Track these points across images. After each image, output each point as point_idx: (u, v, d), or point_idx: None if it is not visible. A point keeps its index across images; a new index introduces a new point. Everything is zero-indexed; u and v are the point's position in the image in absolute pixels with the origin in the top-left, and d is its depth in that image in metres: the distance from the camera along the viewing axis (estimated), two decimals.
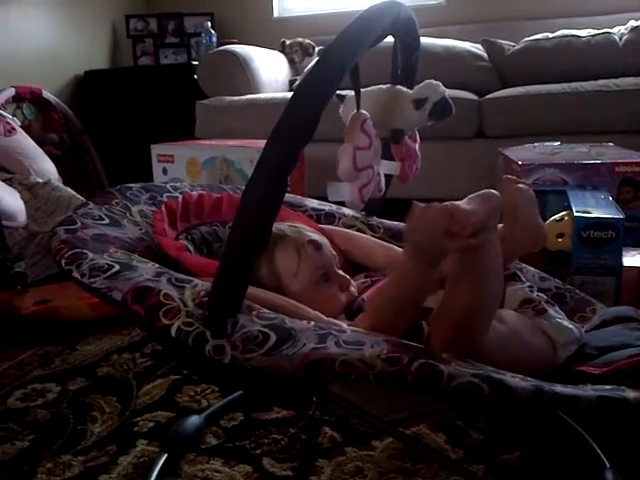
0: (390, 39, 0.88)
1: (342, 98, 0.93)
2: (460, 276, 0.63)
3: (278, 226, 0.84)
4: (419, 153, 0.99)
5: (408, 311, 0.65)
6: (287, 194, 0.58)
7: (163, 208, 0.87)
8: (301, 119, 0.55)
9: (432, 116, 0.91)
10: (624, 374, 0.65)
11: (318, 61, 0.57)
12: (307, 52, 3.10)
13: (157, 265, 0.71)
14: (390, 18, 0.72)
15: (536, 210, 0.81)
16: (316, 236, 0.84)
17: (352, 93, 0.87)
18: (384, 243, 0.98)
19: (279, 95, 2.70)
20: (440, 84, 0.91)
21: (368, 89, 0.93)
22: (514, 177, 0.84)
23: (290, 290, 0.79)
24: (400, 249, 0.95)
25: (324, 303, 0.76)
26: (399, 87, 0.94)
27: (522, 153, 1.67)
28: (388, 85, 0.95)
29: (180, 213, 0.89)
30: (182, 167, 2.12)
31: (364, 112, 0.85)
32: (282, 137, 0.55)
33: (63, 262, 0.70)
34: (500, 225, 0.81)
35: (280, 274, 0.80)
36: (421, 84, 0.92)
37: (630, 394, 0.58)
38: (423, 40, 0.95)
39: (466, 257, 0.62)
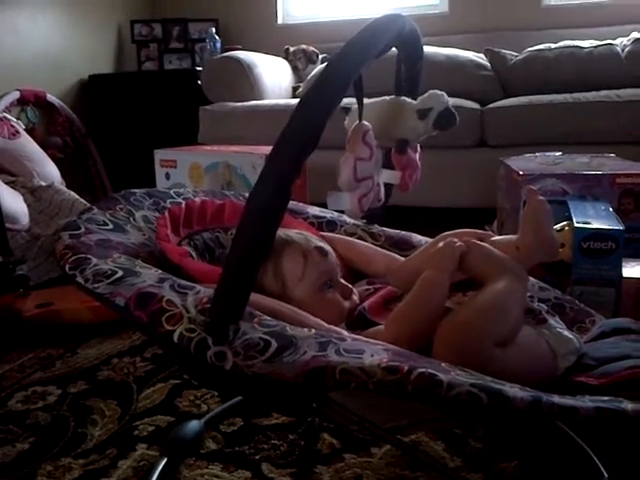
0: (394, 50, 0.88)
1: (347, 110, 0.94)
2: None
3: (285, 232, 0.85)
4: (419, 163, 1.00)
5: (436, 317, 0.69)
6: None
7: (166, 214, 0.88)
8: (306, 128, 0.55)
9: (436, 126, 0.91)
10: (622, 385, 0.65)
11: (324, 71, 0.58)
12: (311, 59, 3.12)
13: (160, 271, 0.71)
14: (395, 30, 0.73)
15: (552, 223, 0.82)
16: (322, 244, 0.85)
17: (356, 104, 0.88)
18: (385, 251, 0.98)
19: (282, 102, 2.71)
20: (444, 94, 0.92)
21: (372, 100, 0.93)
22: (535, 188, 0.86)
23: (293, 296, 0.79)
24: (401, 257, 0.96)
25: (326, 309, 0.77)
26: (403, 98, 0.95)
27: (523, 163, 1.68)
28: (392, 96, 0.96)
29: (183, 219, 0.90)
30: (185, 172, 2.12)
31: (366, 123, 0.85)
32: (287, 146, 0.55)
33: (67, 267, 0.70)
34: (512, 237, 0.82)
35: (285, 278, 0.80)
36: (425, 95, 0.93)
37: (628, 405, 0.58)
38: (426, 49, 0.95)
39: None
